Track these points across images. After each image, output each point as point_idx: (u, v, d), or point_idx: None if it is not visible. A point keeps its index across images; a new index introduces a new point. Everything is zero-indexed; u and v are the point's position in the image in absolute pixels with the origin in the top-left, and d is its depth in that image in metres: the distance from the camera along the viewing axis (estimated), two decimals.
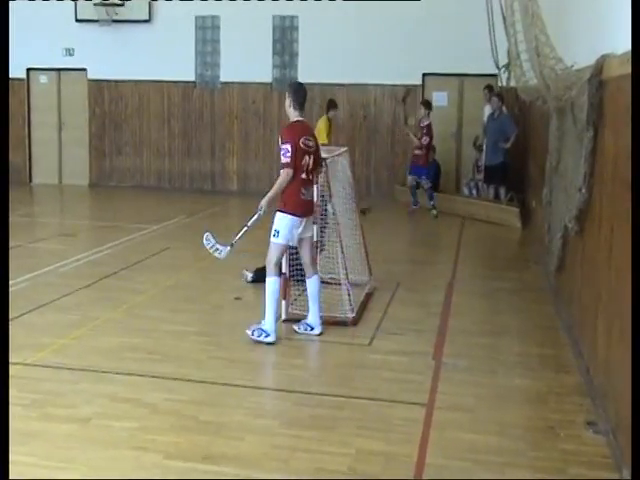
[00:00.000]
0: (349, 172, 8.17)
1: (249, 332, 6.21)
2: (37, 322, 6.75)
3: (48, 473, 4.08)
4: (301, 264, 6.57)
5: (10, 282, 7.93)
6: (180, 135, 16.05)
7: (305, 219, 6.24)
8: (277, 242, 6.14)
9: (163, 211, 12.24)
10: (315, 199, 6.56)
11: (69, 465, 4.18)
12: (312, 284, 6.41)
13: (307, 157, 6.14)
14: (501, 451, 4.42)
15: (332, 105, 12.56)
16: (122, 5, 15.52)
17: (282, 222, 6.13)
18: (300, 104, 6.17)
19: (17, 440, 4.42)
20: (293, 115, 6.21)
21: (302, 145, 6.09)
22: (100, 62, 16.06)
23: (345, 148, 8.56)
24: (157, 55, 15.74)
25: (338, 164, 7.75)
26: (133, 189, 15.82)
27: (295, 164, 6.04)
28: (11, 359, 5.68)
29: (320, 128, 11.86)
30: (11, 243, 10.24)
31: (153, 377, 5.47)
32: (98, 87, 16.28)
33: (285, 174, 6.03)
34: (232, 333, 6.43)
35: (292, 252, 6.66)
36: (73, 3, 15.76)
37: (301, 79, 15.22)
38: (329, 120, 12.46)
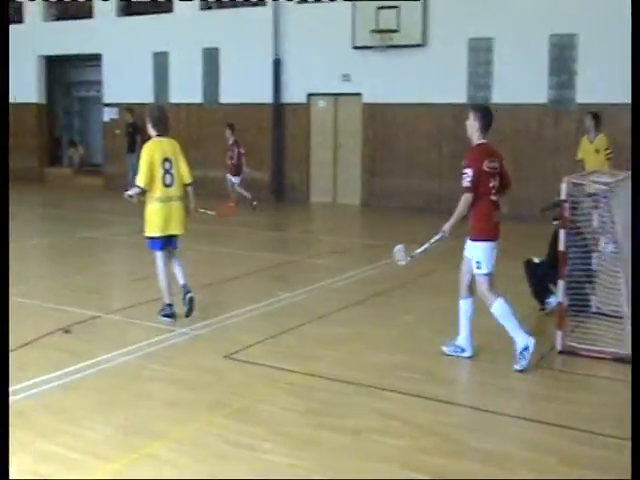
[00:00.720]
0: None
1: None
2: (313, 333, 7.09)
3: None
4: (579, 294, 6.22)
5: (288, 294, 8.48)
6: (449, 157, 16.07)
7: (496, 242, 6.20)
8: (482, 273, 6.11)
9: (431, 232, 12.22)
10: (596, 224, 6.17)
11: (339, 475, 4.30)
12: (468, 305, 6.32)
13: (492, 179, 6.09)
14: None
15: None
16: (397, 31, 15.98)
17: (481, 251, 6.09)
18: (486, 128, 6.14)
19: (294, 445, 4.67)
20: (477, 138, 6.15)
21: (487, 168, 6.03)
22: (374, 86, 16.65)
23: (629, 172, 7.98)
24: (429, 78, 15.98)
25: (621, 190, 7.23)
26: (402, 210, 16.10)
27: (482, 188, 6.01)
28: (289, 367, 6.04)
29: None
30: (289, 258, 11.08)
31: (422, 397, 5.48)
32: (371, 110, 16.88)
33: (465, 199, 6.01)
34: (505, 360, 6.22)
35: (570, 281, 6.33)
36: (351, 31, 16.52)
37: (580, 99, 14.60)
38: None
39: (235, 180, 15.97)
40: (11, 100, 21.63)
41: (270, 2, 17.71)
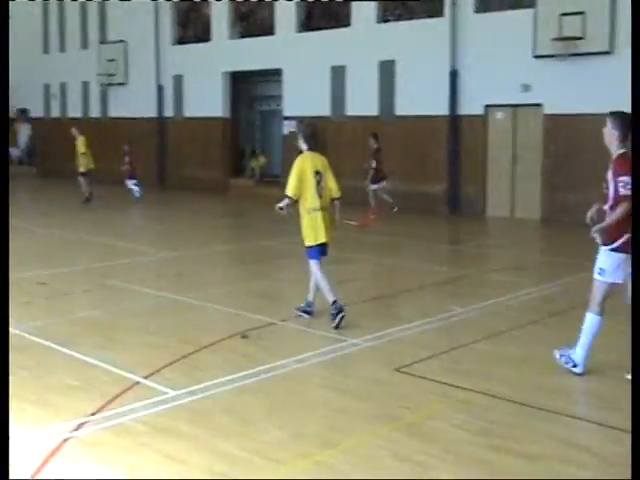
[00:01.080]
0: None
1: (557, 355, 6.17)
2: (487, 351, 6.87)
3: None
4: None
5: (461, 309, 8.28)
6: None
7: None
8: (602, 280, 5.92)
9: None
10: None
11: None
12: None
13: None
14: None
15: None
16: (582, 38, 15.28)
17: (609, 259, 5.86)
18: (626, 136, 5.79)
19: (463, 464, 4.53)
20: (617, 147, 5.85)
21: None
22: (556, 96, 16.00)
23: None
24: (617, 87, 15.07)
25: None
26: (585, 226, 15.21)
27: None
28: (461, 384, 5.88)
29: None
30: (464, 272, 10.85)
31: (604, 426, 5.15)
32: (553, 121, 16.22)
33: (625, 209, 5.67)
34: None
35: None
36: (532, 40, 15.99)
37: None
38: None
39: (374, 186, 16.27)
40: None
41: (447, 13, 17.56)
